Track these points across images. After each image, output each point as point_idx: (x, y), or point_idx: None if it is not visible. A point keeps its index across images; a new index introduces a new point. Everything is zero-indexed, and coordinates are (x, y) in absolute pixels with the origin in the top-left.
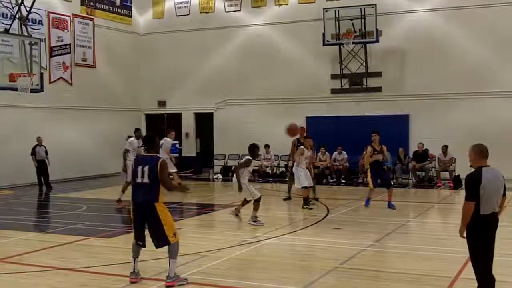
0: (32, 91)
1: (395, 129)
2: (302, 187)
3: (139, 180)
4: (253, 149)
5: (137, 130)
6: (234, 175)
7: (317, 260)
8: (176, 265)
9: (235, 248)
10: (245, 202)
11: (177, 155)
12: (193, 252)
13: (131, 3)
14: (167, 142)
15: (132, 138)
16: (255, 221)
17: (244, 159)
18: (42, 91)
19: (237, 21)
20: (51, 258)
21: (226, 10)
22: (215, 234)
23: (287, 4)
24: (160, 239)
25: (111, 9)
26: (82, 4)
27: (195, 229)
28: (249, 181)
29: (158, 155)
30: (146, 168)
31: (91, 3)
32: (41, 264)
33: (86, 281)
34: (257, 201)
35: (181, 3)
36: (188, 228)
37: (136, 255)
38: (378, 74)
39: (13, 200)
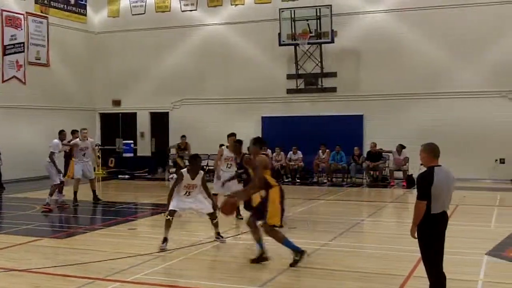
0: None
1: (350, 129)
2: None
3: None
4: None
5: (61, 132)
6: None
7: (272, 259)
8: None
9: (190, 248)
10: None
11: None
12: (148, 253)
13: (85, 2)
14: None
15: (56, 140)
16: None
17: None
18: None
19: (193, 20)
20: (3, 259)
21: (182, 10)
22: (170, 234)
23: (243, 4)
24: None
25: (65, 8)
26: (36, 2)
27: (149, 229)
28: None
29: None
30: None
31: (45, 1)
32: None
33: (39, 282)
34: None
35: (136, 1)
36: (143, 228)
37: None
38: (333, 75)
39: None
